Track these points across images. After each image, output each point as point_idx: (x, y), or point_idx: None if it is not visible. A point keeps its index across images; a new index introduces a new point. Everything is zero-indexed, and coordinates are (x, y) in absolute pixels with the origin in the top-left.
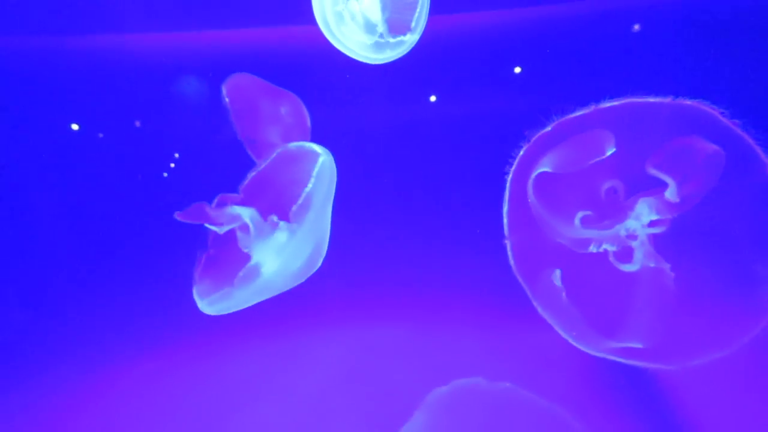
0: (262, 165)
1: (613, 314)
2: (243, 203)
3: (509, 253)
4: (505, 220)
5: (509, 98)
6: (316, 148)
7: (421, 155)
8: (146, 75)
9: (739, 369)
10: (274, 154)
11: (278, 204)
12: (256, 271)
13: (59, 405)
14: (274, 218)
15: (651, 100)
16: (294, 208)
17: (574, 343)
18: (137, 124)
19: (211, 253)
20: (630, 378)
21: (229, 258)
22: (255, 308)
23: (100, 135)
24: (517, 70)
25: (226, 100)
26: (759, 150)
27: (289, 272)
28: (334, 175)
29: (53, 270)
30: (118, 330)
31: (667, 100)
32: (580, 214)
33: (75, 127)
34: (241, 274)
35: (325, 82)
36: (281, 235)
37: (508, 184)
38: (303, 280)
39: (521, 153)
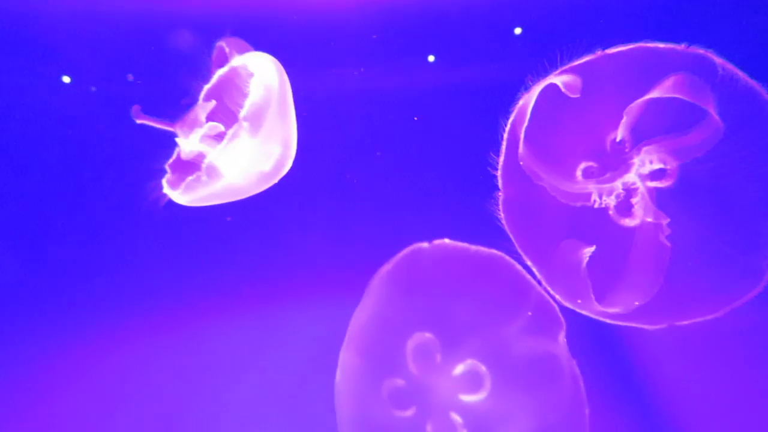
0: (212, 79)
1: (607, 272)
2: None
3: (500, 206)
4: (499, 173)
5: (512, 59)
6: (257, 56)
7: (419, 114)
8: (140, 28)
9: (716, 334)
10: (220, 72)
11: (230, 115)
12: (217, 174)
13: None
14: (222, 127)
15: (662, 46)
16: (242, 115)
17: (562, 301)
18: (130, 77)
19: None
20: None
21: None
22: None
23: (93, 89)
24: (518, 31)
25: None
26: None
27: (253, 176)
28: (284, 78)
29: (38, 223)
30: (100, 296)
31: (680, 47)
32: (582, 165)
33: (66, 79)
34: (203, 178)
35: (322, 42)
36: (236, 144)
37: (505, 135)
38: (275, 181)
39: (520, 102)
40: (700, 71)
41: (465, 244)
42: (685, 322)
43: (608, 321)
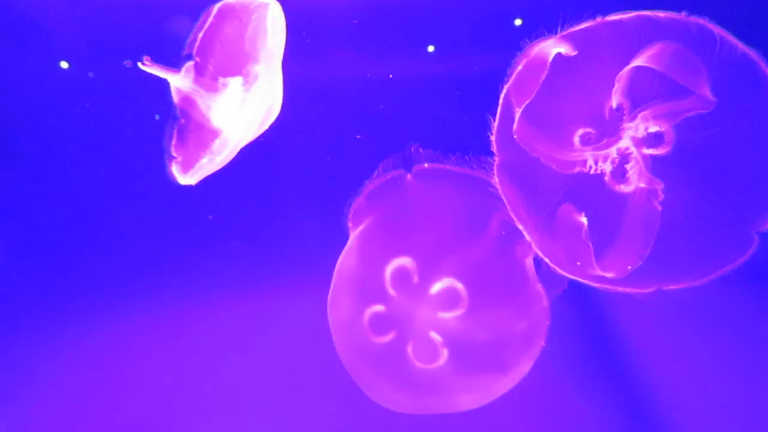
0: (205, 24)
1: (601, 238)
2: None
3: (494, 171)
4: (493, 138)
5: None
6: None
7: (420, 104)
8: (139, 13)
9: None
10: (214, 10)
11: (230, 62)
12: (221, 136)
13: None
14: (228, 79)
15: (661, 14)
16: (260, 54)
17: (554, 267)
18: (128, 64)
19: (182, 124)
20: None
21: (195, 128)
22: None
23: (90, 74)
24: (518, 22)
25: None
26: None
27: (251, 128)
28: (284, 24)
29: (36, 209)
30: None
31: (679, 16)
32: (580, 132)
33: (64, 65)
34: (214, 144)
35: (322, 30)
36: (239, 94)
37: (500, 100)
38: (264, 129)
39: (518, 68)
40: (698, 40)
41: (438, 164)
42: (672, 287)
43: (596, 285)
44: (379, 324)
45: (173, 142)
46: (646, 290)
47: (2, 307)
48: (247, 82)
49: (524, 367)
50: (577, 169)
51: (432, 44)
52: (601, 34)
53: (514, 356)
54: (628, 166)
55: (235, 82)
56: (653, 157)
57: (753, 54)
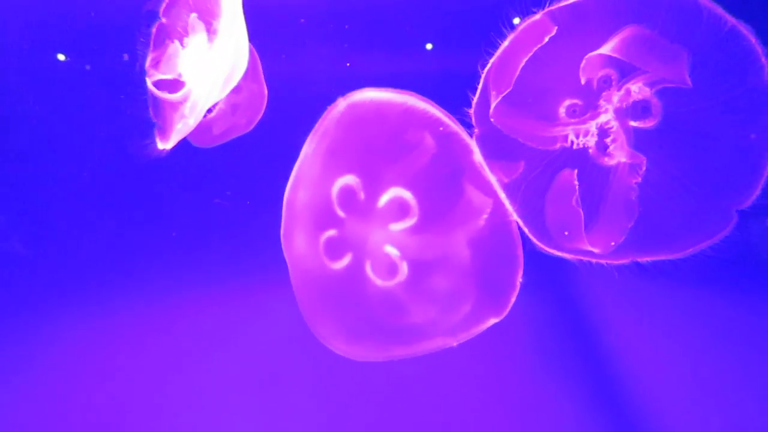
0: None
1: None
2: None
3: (475, 143)
4: (472, 111)
5: None
6: None
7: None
8: (136, 7)
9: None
10: None
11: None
12: (189, 98)
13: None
14: (192, 36)
15: None
16: (221, 9)
17: (533, 238)
18: (125, 57)
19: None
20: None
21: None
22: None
23: (87, 67)
24: (516, 21)
25: None
26: (760, 50)
27: (220, 81)
28: None
29: (32, 202)
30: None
31: None
32: (567, 103)
33: (62, 57)
34: (185, 107)
35: (321, 29)
36: (204, 50)
37: (483, 74)
38: (234, 83)
39: (505, 43)
40: (686, 14)
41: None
42: (647, 259)
43: (571, 258)
44: (334, 248)
45: (150, 109)
46: (621, 261)
47: None
48: (210, 39)
49: (493, 274)
50: (558, 145)
51: (430, 42)
52: (590, 8)
53: (476, 260)
54: (608, 140)
55: (199, 38)
56: (637, 131)
57: (742, 27)
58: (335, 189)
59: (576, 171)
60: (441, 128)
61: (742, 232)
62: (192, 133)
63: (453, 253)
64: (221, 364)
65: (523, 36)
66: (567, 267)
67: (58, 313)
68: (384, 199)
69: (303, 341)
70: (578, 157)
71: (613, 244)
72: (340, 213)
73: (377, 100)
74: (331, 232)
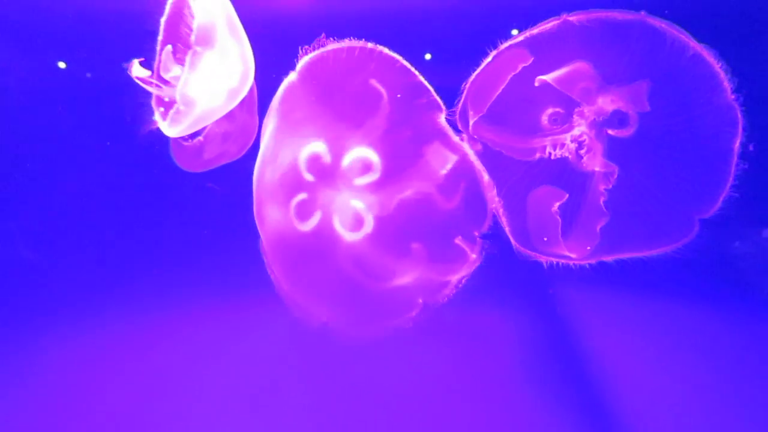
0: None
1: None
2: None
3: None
4: (457, 116)
5: None
6: None
7: None
8: (136, 15)
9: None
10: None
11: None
12: (191, 101)
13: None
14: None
15: (619, 16)
16: (192, 39)
17: (512, 238)
18: (125, 65)
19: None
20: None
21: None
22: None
23: (88, 75)
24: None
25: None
26: (722, 74)
27: (224, 94)
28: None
29: (34, 208)
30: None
31: (638, 15)
32: (549, 111)
33: (62, 65)
34: (181, 107)
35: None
36: (198, 68)
37: (467, 87)
38: (244, 94)
39: (488, 59)
40: (653, 38)
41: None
42: (611, 258)
43: (542, 259)
44: (305, 210)
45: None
46: (587, 261)
47: None
48: (199, 55)
49: (457, 222)
50: (537, 156)
51: (428, 52)
52: (566, 31)
53: (442, 210)
54: (582, 152)
55: (190, 58)
56: (612, 140)
57: (705, 53)
58: (302, 156)
59: (548, 182)
60: (399, 95)
61: (718, 242)
62: (183, 158)
63: (420, 202)
64: (221, 372)
65: (499, 64)
66: (543, 273)
67: (56, 320)
68: (348, 158)
69: (298, 353)
70: (557, 166)
71: (588, 248)
72: (309, 177)
73: (322, 54)
74: (302, 196)
